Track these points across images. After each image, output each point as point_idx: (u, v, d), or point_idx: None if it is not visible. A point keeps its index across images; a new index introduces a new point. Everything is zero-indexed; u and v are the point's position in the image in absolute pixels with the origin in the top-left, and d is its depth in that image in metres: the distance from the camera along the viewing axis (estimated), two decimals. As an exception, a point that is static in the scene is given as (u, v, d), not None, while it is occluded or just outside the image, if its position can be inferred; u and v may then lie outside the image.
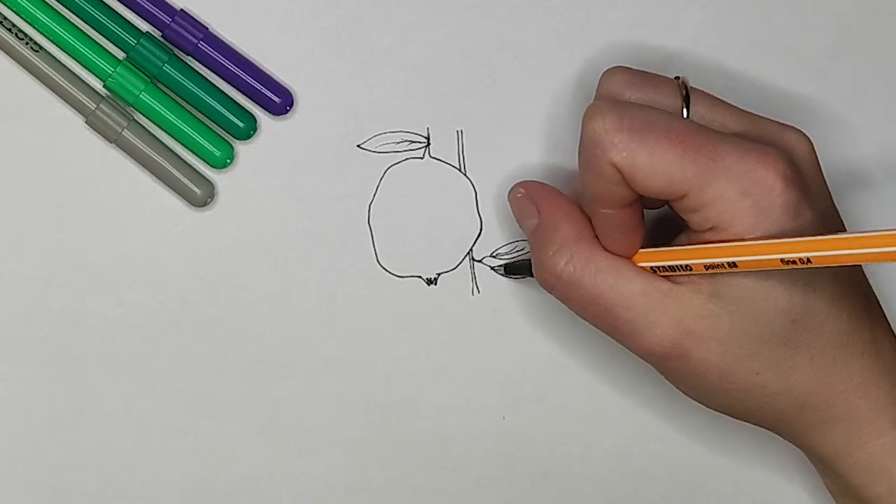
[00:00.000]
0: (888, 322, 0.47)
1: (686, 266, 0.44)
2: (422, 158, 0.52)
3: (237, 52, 0.50)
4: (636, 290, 0.45)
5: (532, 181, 0.50)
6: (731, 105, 0.47)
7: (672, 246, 0.45)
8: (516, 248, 0.52)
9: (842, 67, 0.53)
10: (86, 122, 0.50)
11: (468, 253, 0.52)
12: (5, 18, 0.50)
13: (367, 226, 0.52)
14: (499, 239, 0.52)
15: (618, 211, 0.45)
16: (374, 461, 0.52)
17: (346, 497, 0.52)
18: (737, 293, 0.44)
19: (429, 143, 0.52)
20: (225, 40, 0.51)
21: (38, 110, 0.50)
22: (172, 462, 0.52)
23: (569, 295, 0.46)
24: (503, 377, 0.52)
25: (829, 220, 0.46)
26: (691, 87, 0.47)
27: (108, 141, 0.50)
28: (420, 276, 0.52)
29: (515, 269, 0.51)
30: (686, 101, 0.46)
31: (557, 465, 0.53)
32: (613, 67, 0.47)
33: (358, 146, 0.51)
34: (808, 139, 0.46)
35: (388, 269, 0.52)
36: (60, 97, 0.50)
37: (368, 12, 0.51)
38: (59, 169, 0.51)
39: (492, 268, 0.52)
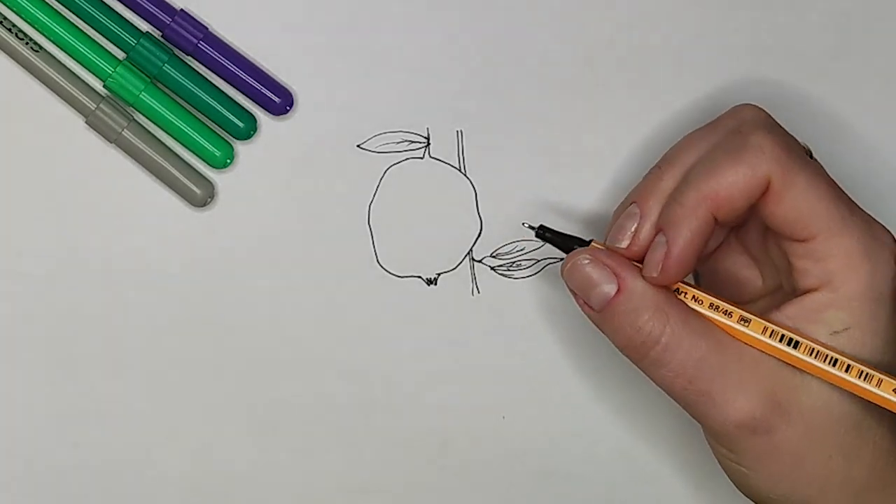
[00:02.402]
0: None
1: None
2: (422, 158, 0.52)
3: (237, 52, 0.50)
4: (732, 356, 0.44)
5: (595, 248, 0.46)
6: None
7: (762, 316, 0.45)
8: (516, 248, 0.52)
9: (842, 67, 0.53)
10: (86, 122, 0.50)
11: (468, 253, 0.52)
12: (5, 18, 0.50)
13: (367, 226, 0.52)
14: (499, 239, 0.52)
15: (710, 221, 0.44)
16: (374, 461, 0.52)
17: (346, 497, 0.52)
18: None
19: (429, 143, 0.52)
20: (225, 40, 0.51)
21: (38, 110, 0.50)
22: (172, 462, 0.52)
23: (666, 360, 0.44)
24: (503, 377, 0.52)
25: None
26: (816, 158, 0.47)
27: (108, 141, 0.50)
28: (420, 276, 0.52)
29: (550, 237, 0.48)
30: (810, 156, 0.46)
31: (557, 465, 0.53)
32: (748, 105, 0.46)
33: (358, 146, 0.51)
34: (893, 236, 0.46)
35: (388, 269, 0.52)
36: (60, 97, 0.50)
37: (368, 12, 0.51)
38: (59, 169, 0.51)
39: (492, 268, 0.52)
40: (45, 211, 0.51)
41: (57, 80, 0.50)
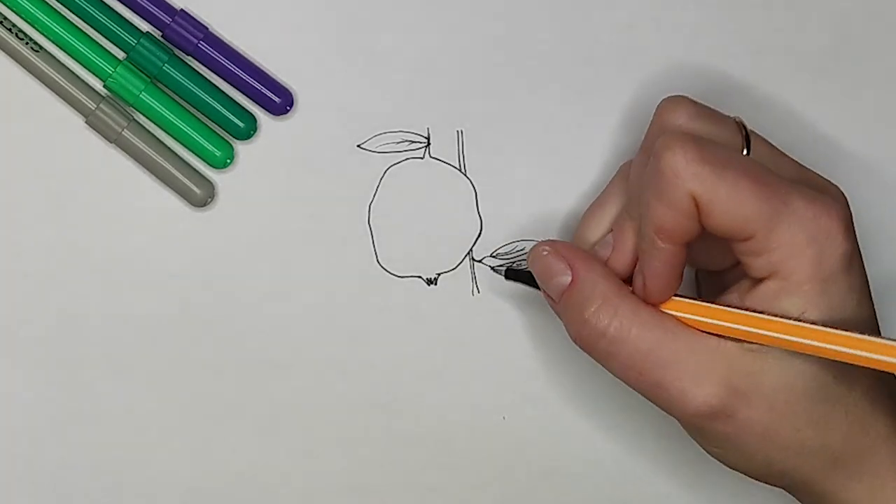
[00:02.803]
0: None
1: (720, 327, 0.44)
2: (422, 158, 0.52)
3: (237, 52, 0.50)
4: (684, 346, 0.44)
5: (557, 241, 0.48)
6: (783, 152, 0.47)
7: (722, 303, 0.45)
8: (516, 248, 0.52)
9: (842, 67, 0.53)
10: (86, 122, 0.50)
11: (468, 253, 0.52)
12: (5, 18, 0.50)
13: (367, 226, 0.52)
14: (499, 239, 0.52)
15: (676, 248, 0.44)
16: (374, 461, 0.52)
17: (346, 497, 0.52)
18: (781, 350, 0.44)
19: (429, 143, 0.52)
20: (225, 40, 0.51)
21: (38, 110, 0.50)
22: (172, 462, 0.52)
23: (613, 352, 0.45)
24: (503, 377, 0.52)
25: (864, 275, 0.45)
26: (751, 130, 0.46)
27: (108, 141, 0.50)
28: (420, 276, 0.52)
29: (517, 275, 0.51)
30: (747, 141, 0.46)
31: (557, 465, 0.53)
32: (675, 97, 0.47)
33: (358, 146, 0.51)
34: (845, 197, 0.46)
35: (388, 269, 0.52)
36: (60, 97, 0.50)
37: (368, 12, 0.51)
38: (59, 169, 0.51)
39: (492, 268, 0.52)
40: (45, 211, 0.51)
41: (57, 80, 0.50)
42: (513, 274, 0.51)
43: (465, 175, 0.52)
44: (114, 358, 0.51)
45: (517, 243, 0.52)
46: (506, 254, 0.52)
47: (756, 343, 0.44)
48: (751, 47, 0.52)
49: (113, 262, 0.51)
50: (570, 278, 0.46)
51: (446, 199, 0.52)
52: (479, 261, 0.52)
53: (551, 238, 0.51)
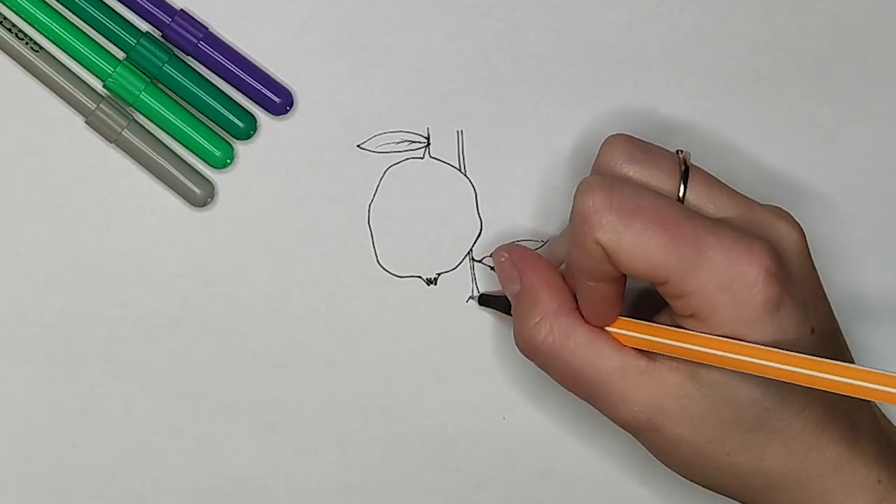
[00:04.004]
0: (872, 406, 0.47)
1: (659, 345, 0.45)
2: (422, 158, 0.52)
3: (237, 52, 0.50)
4: (614, 367, 0.45)
5: (516, 246, 0.50)
6: (727, 188, 0.46)
7: (652, 322, 0.46)
8: (516, 248, 0.52)
9: (842, 67, 0.53)
10: (86, 122, 0.50)
11: (468, 253, 0.52)
12: (5, 18, 0.50)
13: (367, 226, 0.52)
14: (499, 239, 0.52)
15: (602, 284, 0.45)
16: (374, 461, 0.52)
17: (346, 497, 0.52)
18: (713, 377, 0.44)
19: (429, 143, 0.52)
20: (225, 40, 0.51)
21: (38, 110, 0.50)
22: (172, 462, 0.52)
23: (548, 365, 0.47)
24: (503, 377, 0.52)
25: (812, 310, 0.45)
26: (691, 164, 0.46)
27: (108, 141, 0.50)
28: (420, 276, 0.52)
29: (490, 302, 0.51)
30: (684, 178, 0.46)
31: (557, 465, 0.53)
32: (615, 136, 0.47)
33: (358, 146, 0.51)
34: (800, 229, 0.46)
35: (388, 269, 0.52)
36: (60, 97, 0.50)
37: (368, 12, 0.51)
38: (59, 169, 0.51)
39: (492, 268, 0.52)
40: (45, 211, 0.51)
41: (57, 80, 0.50)
42: (486, 300, 0.51)
43: (465, 175, 0.52)
44: (114, 358, 0.51)
45: (517, 243, 0.52)
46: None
47: (694, 360, 0.44)
48: (751, 47, 0.52)
49: (113, 262, 0.51)
50: (518, 288, 0.48)
51: (446, 199, 0.52)
52: (479, 261, 0.52)
53: (551, 237, 0.52)
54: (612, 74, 0.52)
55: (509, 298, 0.49)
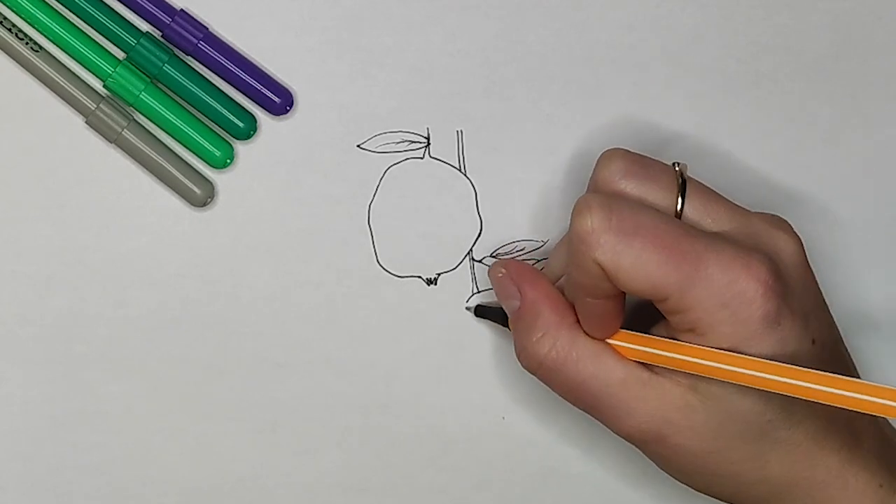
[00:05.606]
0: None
1: (662, 357, 0.45)
2: (422, 158, 0.52)
3: (237, 52, 0.50)
4: (617, 379, 0.45)
5: (513, 261, 0.50)
6: (725, 200, 0.46)
7: (651, 334, 0.46)
8: (516, 249, 0.52)
9: (842, 67, 0.53)
10: (86, 122, 0.50)
11: (468, 253, 0.52)
12: (5, 18, 0.50)
13: (367, 226, 0.52)
14: (499, 239, 0.52)
15: (601, 301, 0.45)
16: (374, 461, 0.52)
17: (346, 497, 0.52)
18: (714, 390, 0.44)
19: (429, 143, 0.52)
20: (225, 40, 0.51)
21: (38, 110, 0.50)
22: (172, 462, 0.52)
23: (551, 380, 0.47)
24: (503, 377, 0.52)
25: (813, 321, 0.45)
26: (688, 177, 0.46)
27: (108, 141, 0.50)
28: (420, 276, 0.52)
29: (486, 313, 0.51)
30: (682, 191, 0.46)
31: (557, 466, 0.53)
32: (612, 151, 0.47)
33: (358, 146, 0.51)
34: (798, 239, 0.46)
35: (388, 269, 0.52)
36: (60, 97, 0.50)
37: (368, 12, 0.51)
38: (59, 169, 0.51)
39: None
40: (45, 211, 0.51)
41: (57, 80, 0.50)
42: (482, 312, 0.51)
43: (465, 175, 0.52)
44: (114, 358, 0.51)
45: (517, 243, 0.52)
46: (506, 254, 0.52)
47: (695, 373, 0.44)
48: (751, 47, 0.52)
49: (113, 262, 0.51)
50: (518, 303, 0.48)
51: (446, 199, 0.52)
52: (479, 261, 0.52)
53: (551, 237, 0.52)
54: (612, 74, 0.52)
55: (508, 313, 0.48)
